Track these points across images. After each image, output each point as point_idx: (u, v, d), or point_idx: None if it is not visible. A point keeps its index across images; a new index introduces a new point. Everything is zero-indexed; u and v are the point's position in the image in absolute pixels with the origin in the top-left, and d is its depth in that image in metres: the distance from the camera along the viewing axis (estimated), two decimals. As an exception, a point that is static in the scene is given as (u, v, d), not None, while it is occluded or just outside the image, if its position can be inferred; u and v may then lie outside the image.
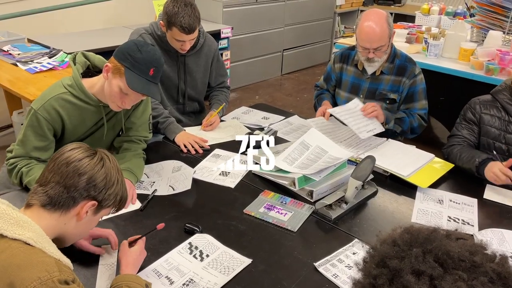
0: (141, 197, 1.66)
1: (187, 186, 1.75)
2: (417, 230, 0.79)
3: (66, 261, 1.05)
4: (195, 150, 2.04)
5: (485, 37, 3.21)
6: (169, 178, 1.80)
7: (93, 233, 1.35)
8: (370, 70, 2.22)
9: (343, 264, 1.36)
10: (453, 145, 2.01)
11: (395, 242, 0.78)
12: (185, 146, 2.06)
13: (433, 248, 0.72)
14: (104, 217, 1.47)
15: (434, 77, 2.90)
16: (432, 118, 3.46)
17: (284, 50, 5.60)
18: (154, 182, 1.77)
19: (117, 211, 1.24)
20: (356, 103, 2.14)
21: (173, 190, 1.72)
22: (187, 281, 1.27)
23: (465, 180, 1.87)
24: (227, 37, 4.51)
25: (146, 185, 1.75)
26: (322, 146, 1.85)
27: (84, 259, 1.33)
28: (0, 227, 0.97)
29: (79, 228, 1.14)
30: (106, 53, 3.49)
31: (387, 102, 2.22)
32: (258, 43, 5.18)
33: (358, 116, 2.09)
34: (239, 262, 1.35)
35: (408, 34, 3.57)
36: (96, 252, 1.34)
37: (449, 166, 1.93)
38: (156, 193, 1.69)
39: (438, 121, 3.50)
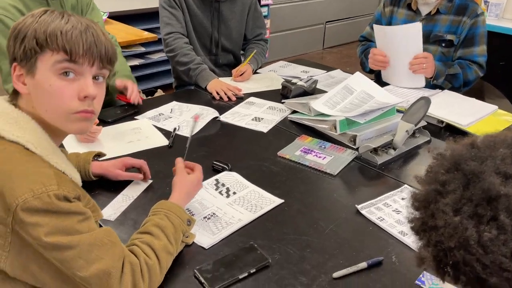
0: (167, 134, 1.56)
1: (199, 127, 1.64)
2: (503, 134, 0.62)
3: (74, 176, 0.89)
4: (228, 97, 1.90)
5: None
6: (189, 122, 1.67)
7: (126, 162, 1.28)
8: (425, 10, 1.97)
9: (390, 208, 1.17)
10: None
11: (474, 145, 0.61)
12: (218, 94, 1.92)
13: None
14: (133, 151, 1.40)
15: (493, 39, 2.59)
16: (488, 85, 3.15)
17: (326, 22, 5.34)
18: (170, 117, 1.70)
19: (65, 52, 0.81)
20: (416, 30, 1.84)
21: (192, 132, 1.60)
22: (208, 214, 1.13)
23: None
24: (267, 5, 4.33)
25: (166, 118, 1.70)
26: (368, 91, 1.65)
27: (108, 189, 1.25)
28: None
29: (40, 100, 0.85)
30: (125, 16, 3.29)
31: (443, 45, 1.96)
32: (299, 13, 4.95)
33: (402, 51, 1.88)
34: (269, 201, 1.19)
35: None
36: (134, 178, 1.28)
37: None
38: (178, 132, 1.59)
39: (495, 88, 3.18)
